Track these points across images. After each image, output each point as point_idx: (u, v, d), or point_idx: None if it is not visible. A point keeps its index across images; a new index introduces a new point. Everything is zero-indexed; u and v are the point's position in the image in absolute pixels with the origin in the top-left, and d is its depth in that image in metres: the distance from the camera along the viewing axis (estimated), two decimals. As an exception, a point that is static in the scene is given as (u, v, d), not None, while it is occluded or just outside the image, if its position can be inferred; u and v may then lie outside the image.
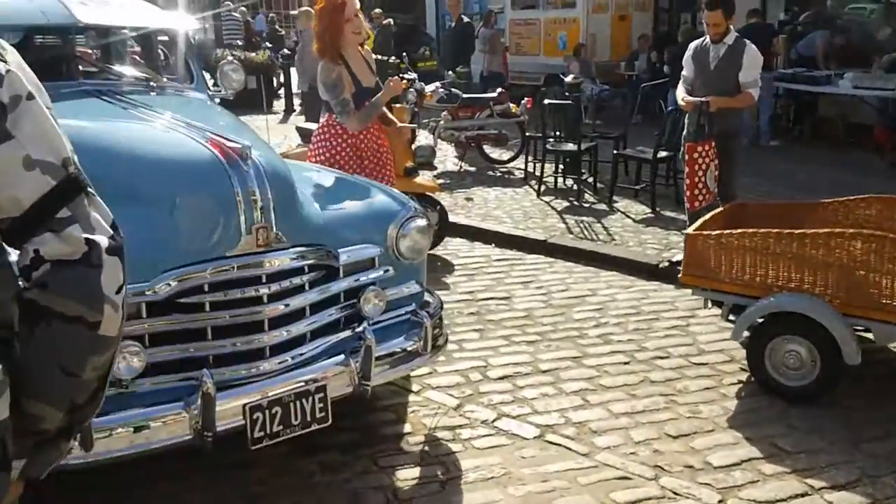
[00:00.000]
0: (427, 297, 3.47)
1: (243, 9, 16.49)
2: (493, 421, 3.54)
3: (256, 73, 14.01)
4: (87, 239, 1.11)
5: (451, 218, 6.44)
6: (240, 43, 16.64)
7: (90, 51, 4.47)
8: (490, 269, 5.75)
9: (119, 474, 2.87)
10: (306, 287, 2.92)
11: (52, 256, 1.09)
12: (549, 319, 4.77)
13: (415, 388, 3.81)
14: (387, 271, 3.19)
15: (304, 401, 2.79)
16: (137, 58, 4.73)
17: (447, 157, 9.53)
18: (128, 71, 4.19)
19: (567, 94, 8.57)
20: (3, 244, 1.11)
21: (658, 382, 3.96)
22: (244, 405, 2.67)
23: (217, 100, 4.31)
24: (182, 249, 2.64)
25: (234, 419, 2.65)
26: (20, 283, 1.10)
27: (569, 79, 8.54)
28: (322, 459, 3.16)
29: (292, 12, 13.22)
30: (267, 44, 15.93)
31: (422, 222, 3.28)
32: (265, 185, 2.73)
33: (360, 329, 2.97)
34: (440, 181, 8.34)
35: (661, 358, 4.25)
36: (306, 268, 2.91)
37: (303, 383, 2.80)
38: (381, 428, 3.44)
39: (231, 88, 4.34)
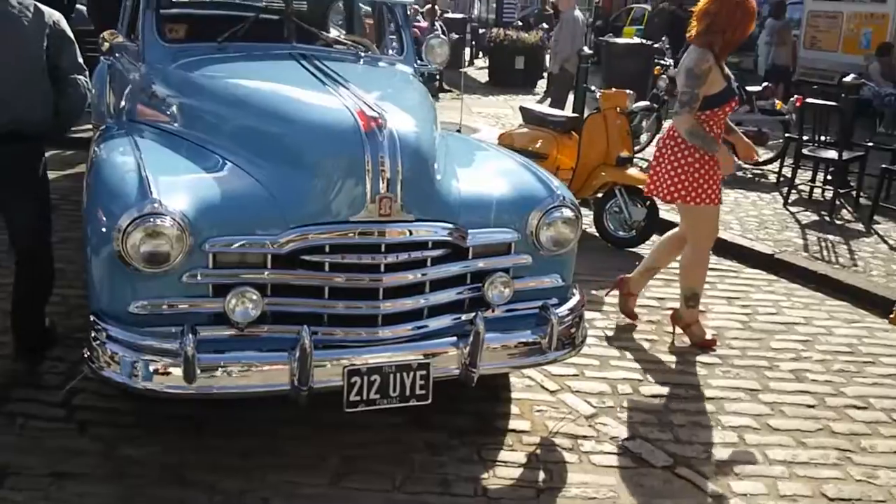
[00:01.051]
0: (571, 292, 3.27)
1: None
2: (624, 440, 3.27)
3: (525, 53, 14.18)
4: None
5: (670, 217, 6.01)
6: (520, 23, 16.92)
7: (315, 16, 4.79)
8: (695, 277, 5.29)
9: (222, 419, 3.10)
10: (428, 263, 2.89)
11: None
12: (740, 343, 4.29)
13: (552, 387, 3.63)
14: (523, 260, 3.06)
15: (404, 374, 2.77)
16: (365, 27, 4.98)
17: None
18: (344, 38, 4.42)
19: (844, 94, 7.56)
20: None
21: (840, 434, 3.39)
22: (344, 367, 2.72)
23: (424, 72, 4.41)
24: (310, 209, 2.74)
25: (333, 379, 2.71)
26: None
27: (848, 78, 7.51)
28: (428, 438, 3.14)
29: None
30: (543, 24, 15.99)
31: (568, 213, 3.09)
32: (396, 156, 2.73)
33: (472, 315, 2.87)
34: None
35: (858, 408, 3.64)
36: (430, 243, 2.87)
37: (406, 357, 2.79)
38: (498, 420, 3.33)
39: (436, 62, 4.40)
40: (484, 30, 17.35)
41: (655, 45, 9.94)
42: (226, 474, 2.83)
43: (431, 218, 2.86)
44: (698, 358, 4.07)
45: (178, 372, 2.58)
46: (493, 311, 3.01)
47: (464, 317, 2.95)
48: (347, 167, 2.74)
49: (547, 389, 3.62)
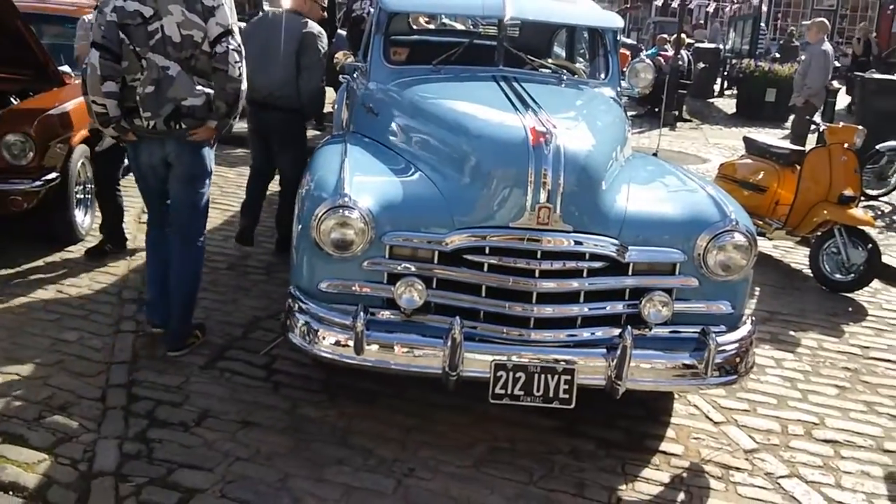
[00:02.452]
0: (742, 321, 3.23)
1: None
2: (780, 477, 3.16)
3: (777, 85, 13.47)
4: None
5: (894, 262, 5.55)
6: (777, 55, 16.09)
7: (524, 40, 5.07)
8: (913, 329, 4.84)
9: (392, 396, 3.44)
10: (584, 274, 3.03)
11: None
12: (949, 403, 3.90)
13: (717, 418, 3.57)
14: (687, 281, 3.09)
15: (548, 376, 2.94)
16: (574, 50, 5.19)
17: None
18: (550, 61, 4.66)
19: None
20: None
21: None
22: (492, 361, 2.94)
23: (626, 96, 4.52)
24: (476, 213, 3.01)
25: (481, 370, 2.94)
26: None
27: None
28: (575, 444, 3.26)
29: (804, 23, 12.31)
30: (801, 56, 15.05)
31: (740, 238, 3.07)
32: (560, 170, 2.92)
33: (621, 330, 2.95)
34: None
35: None
36: (587, 255, 3.01)
37: (552, 360, 2.95)
38: (651, 440, 3.35)
39: (639, 87, 4.49)
40: (736, 60, 16.68)
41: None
42: (383, 442, 3.16)
43: (592, 231, 3.01)
44: (888, 410, 3.77)
45: (350, 343, 2.96)
46: (649, 329, 3.08)
47: (617, 331, 3.04)
48: (514, 177, 2.97)
49: (711, 419, 3.57)
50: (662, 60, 13.33)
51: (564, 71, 4.61)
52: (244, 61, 3.61)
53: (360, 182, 3.13)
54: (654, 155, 4.29)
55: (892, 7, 29.05)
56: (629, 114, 11.90)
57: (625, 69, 4.58)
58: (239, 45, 3.58)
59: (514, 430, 3.31)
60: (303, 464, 2.99)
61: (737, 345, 3.13)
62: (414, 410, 3.41)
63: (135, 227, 5.50)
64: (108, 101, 3.49)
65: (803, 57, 10.40)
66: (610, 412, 3.45)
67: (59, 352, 3.67)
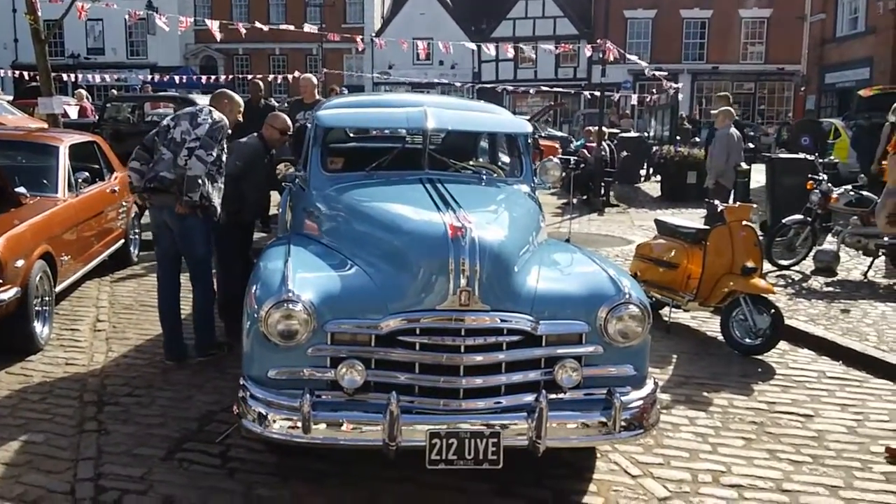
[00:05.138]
0: (645, 381, 3.68)
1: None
2: (690, 520, 3.55)
3: (697, 168, 14.46)
4: None
5: (811, 329, 6.15)
6: (696, 140, 17.19)
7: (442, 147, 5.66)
8: (814, 385, 5.34)
9: (340, 474, 3.76)
10: (503, 347, 3.46)
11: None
12: (839, 445, 4.37)
13: (634, 472, 3.97)
14: (593, 349, 3.54)
15: (478, 440, 3.32)
16: (495, 152, 5.79)
17: (855, 267, 8.74)
18: (472, 163, 5.22)
19: None
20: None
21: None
22: (427, 430, 3.32)
23: (537, 190, 5.08)
24: (406, 299, 3.45)
25: (417, 440, 3.31)
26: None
27: None
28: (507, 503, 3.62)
29: (712, 111, 13.42)
30: (695, 139, 16.21)
31: (634, 310, 3.55)
32: (476, 258, 3.39)
33: (537, 395, 3.37)
34: (830, 289, 7.80)
35: (948, 515, 3.63)
36: (505, 330, 3.46)
37: (479, 426, 3.34)
38: (575, 495, 3.73)
39: (549, 182, 5.08)
40: (657, 147, 17.83)
41: (809, 159, 9.95)
42: (334, 515, 3.48)
43: (507, 309, 3.46)
44: (790, 456, 4.22)
45: (298, 424, 3.31)
46: (564, 392, 3.51)
47: (537, 396, 3.45)
48: (437, 266, 3.43)
49: (629, 473, 3.97)
50: (586, 152, 14.24)
51: (485, 171, 5.18)
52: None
53: (303, 278, 3.54)
54: (567, 241, 4.81)
55: (803, 88, 31.38)
56: (561, 202, 12.56)
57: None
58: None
59: (453, 496, 3.65)
60: (260, 538, 3.29)
61: (641, 402, 3.58)
62: (360, 486, 3.73)
63: (90, 335, 5.78)
64: None
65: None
66: (539, 473, 3.83)
67: (27, 452, 3.92)
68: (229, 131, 5.39)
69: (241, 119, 5.71)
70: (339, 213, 4.34)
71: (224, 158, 5.29)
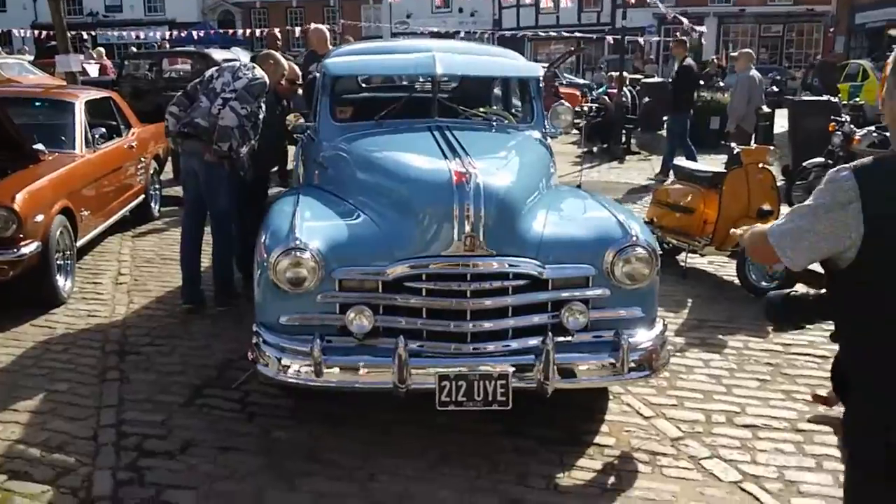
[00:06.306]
0: (654, 324, 3.69)
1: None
2: (702, 459, 3.58)
3: (720, 113, 14.20)
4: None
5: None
6: (721, 84, 16.88)
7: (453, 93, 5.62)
8: (830, 326, 5.30)
9: (354, 416, 3.84)
10: (509, 291, 3.48)
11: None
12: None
13: (647, 413, 4.00)
14: (600, 292, 3.55)
15: (486, 382, 3.37)
16: (508, 98, 5.74)
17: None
18: (483, 110, 5.19)
19: None
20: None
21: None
22: (436, 373, 3.37)
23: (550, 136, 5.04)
24: (412, 245, 3.47)
25: (427, 382, 3.37)
26: None
27: None
28: (518, 443, 3.67)
29: (732, 53, 13.10)
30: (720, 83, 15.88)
31: (641, 252, 3.55)
32: (480, 203, 3.39)
33: (543, 337, 3.40)
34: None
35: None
36: (511, 275, 3.47)
37: (488, 368, 3.38)
38: (587, 435, 3.77)
39: (561, 127, 5.03)
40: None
41: (833, 101, 9.75)
42: (348, 455, 3.56)
43: (512, 254, 3.47)
44: (804, 397, 4.22)
45: (310, 369, 3.38)
46: (572, 335, 3.53)
47: (543, 339, 3.48)
48: (442, 213, 3.44)
49: (641, 415, 4.00)
50: (607, 98, 14.03)
51: (496, 117, 5.14)
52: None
53: (310, 226, 3.58)
54: (578, 187, 4.79)
55: (832, 30, 30.52)
56: (582, 150, 12.36)
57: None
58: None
59: (463, 436, 3.72)
60: (276, 478, 3.38)
61: (650, 343, 3.59)
62: (374, 427, 3.81)
63: (112, 288, 5.90)
64: None
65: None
66: (551, 416, 3.88)
67: (51, 401, 4.04)
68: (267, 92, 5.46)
69: (284, 83, 5.85)
70: (348, 163, 4.34)
71: (261, 117, 5.30)
